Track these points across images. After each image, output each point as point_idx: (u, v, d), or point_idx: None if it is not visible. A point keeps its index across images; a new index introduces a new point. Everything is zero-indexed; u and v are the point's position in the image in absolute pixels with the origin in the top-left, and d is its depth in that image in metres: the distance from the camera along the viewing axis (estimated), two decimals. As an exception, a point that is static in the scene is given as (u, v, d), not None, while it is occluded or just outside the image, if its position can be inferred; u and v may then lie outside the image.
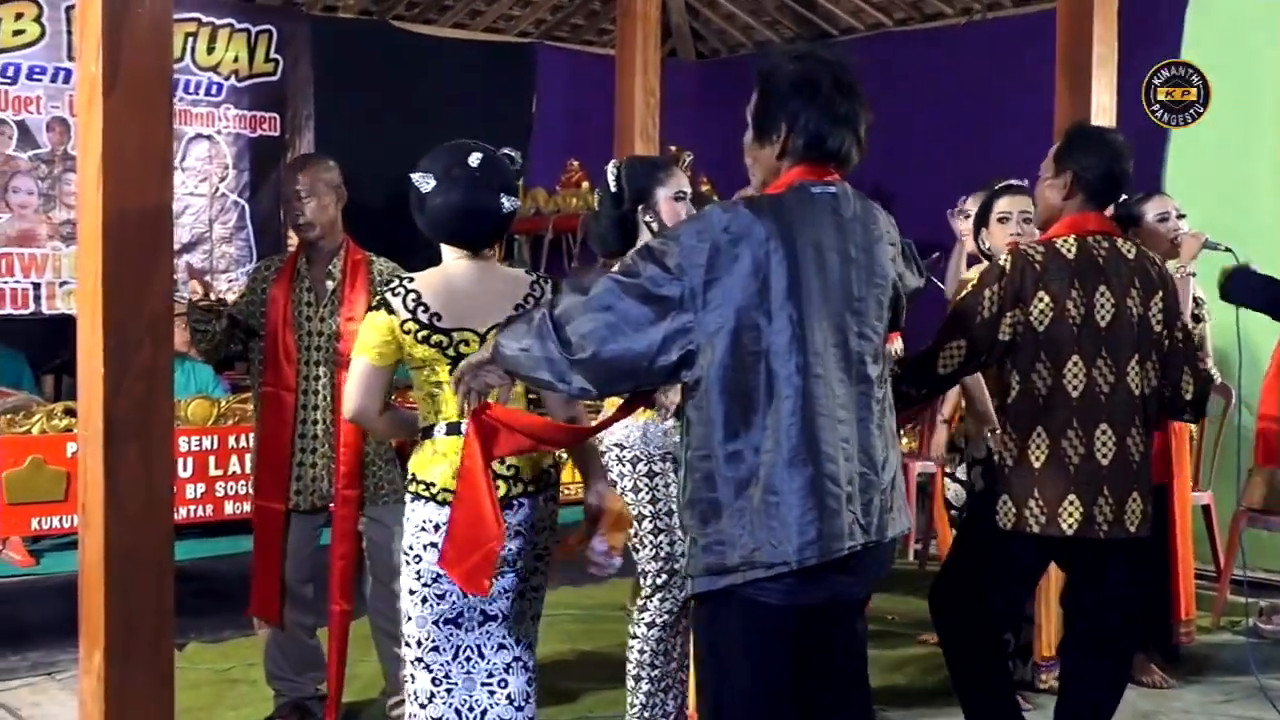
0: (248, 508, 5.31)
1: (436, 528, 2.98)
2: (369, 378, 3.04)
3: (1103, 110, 5.79)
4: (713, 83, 9.94)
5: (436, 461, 3.02)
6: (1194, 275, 4.65)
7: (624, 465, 3.85)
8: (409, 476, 3.06)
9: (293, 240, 8.46)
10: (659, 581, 3.87)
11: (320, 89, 8.47)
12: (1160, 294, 3.66)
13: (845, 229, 2.68)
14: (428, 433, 3.07)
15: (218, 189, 8.15)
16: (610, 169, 3.93)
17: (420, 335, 3.00)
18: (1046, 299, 3.55)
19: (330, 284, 4.09)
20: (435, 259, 3.19)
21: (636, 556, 3.89)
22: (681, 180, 3.87)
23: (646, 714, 3.92)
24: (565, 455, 3.36)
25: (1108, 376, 3.56)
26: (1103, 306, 3.57)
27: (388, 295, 3.02)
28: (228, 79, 8.14)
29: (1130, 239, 3.89)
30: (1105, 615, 3.71)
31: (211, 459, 5.07)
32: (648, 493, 3.85)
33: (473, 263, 3.12)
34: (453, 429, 3.03)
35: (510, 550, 3.04)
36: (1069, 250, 3.60)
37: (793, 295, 2.55)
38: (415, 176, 3.07)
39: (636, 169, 3.91)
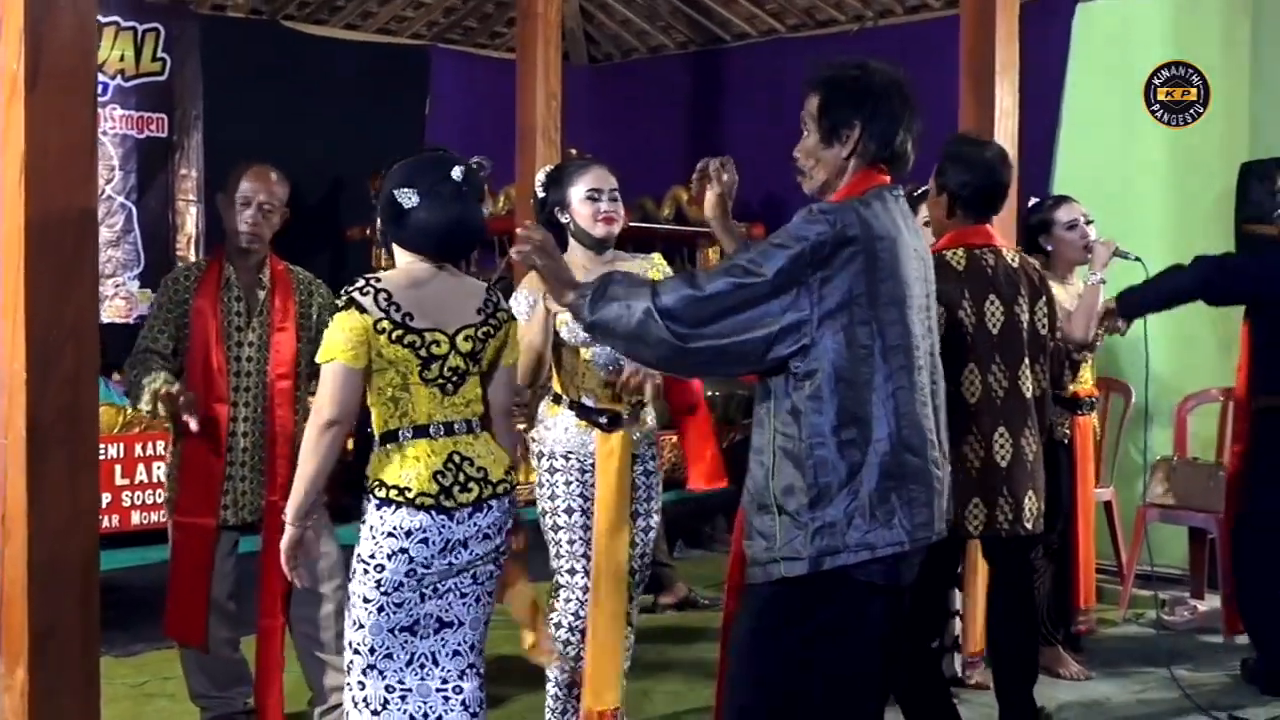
0: (155, 518, 5.17)
1: (409, 534, 2.93)
2: (345, 380, 2.95)
3: (1005, 115, 5.92)
4: (607, 88, 9.94)
5: (409, 465, 2.96)
6: (1104, 283, 4.77)
7: (538, 461, 3.91)
8: (373, 483, 2.99)
9: (182, 244, 8.42)
10: (561, 581, 3.91)
11: (209, 89, 8.26)
12: (1043, 299, 3.88)
13: (910, 225, 2.89)
14: (390, 438, 3.01)
15: (104, 191, 7.91)
16: (538, 176, 4.10)
17: (395, 335, 2.95)
18: (940, 310, 3.64)
19: (261, 293, 3.99)
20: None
21: (549, 555, 3.91)
22: (597, 178, 3.93)
23: (557, 715, 3.94)
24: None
25: (1002, 381, 3.73)
26: (993, 314, 3.75)
27: (356, 295, 2.95)
28: (114, 78, 7.91)
29: (1024, 245, 4.08)
30: (1009, 595, 3.95)
31: (118, 468, 4.90)
32: (548, 488, 3.93)
33: (432, 265, 3.08)
34: (420, 432, 2.99)
35: (477, 554, 3.02)
36: (958, 262, 3.77)
37: (896, 291, 2.75)
38: (397, 192, 3.01)
39: (554, 173, 4.06)
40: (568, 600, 3.88)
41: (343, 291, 3.00)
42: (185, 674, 4.09)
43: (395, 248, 3.13)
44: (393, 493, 2.95)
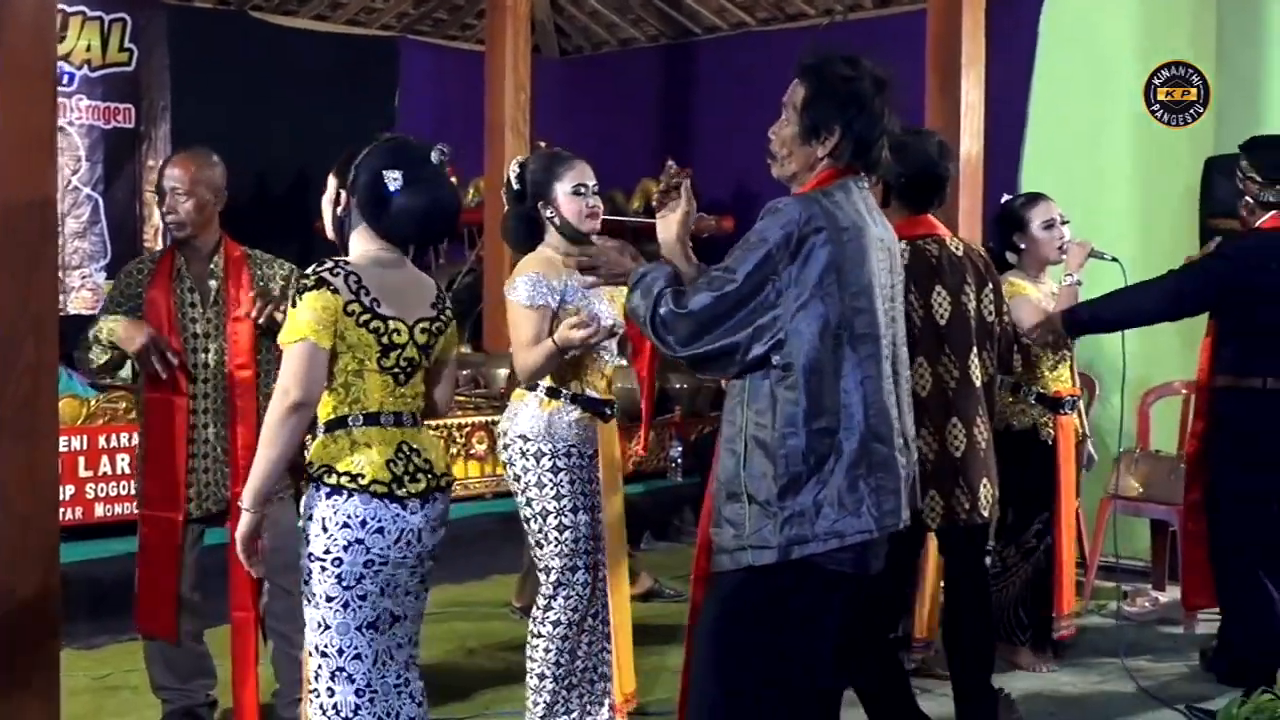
0: (120, 510, 5.15)
1: (363, 523, 2.91)
2: (310, 359, 2.88)
3: (971, 109, 5.96)
4: (577, 80, 9.95)
5: (361, 452, 2.93)
6: (1080, 284, 4.77)
7: (527, 459, 3.83)
8: (320, 470, 2.95)
9: (149, 235, 8.38)
10: (564, 579, 3.85)
11: (177, 80, 8.23)
12: (989, 286, 3.89)
13: (877, 218, 2.94)
14: (338, 424, 2.98)
15: (70, 182, 7.87)
16: (511, 167, 4.05)
17: (362, 318, 2.94)
18: None
19: (214, 283, 3.95)
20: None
21: (539, 553, 3.87)
22: (582, 174, 3.91)
23: (550, 712, 3.90)
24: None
25: (952, 372, 3.76)
26: (940, 305, 3.77)
27: (326, 275, 2.92)
28: (80, 69, 7.87)
29: (993, 244, 4.10)
30: (966, 586, 3.99)
31: (81, 460, 4.87)
32: (552, 488, 3.83)
33: (396, 256, 3.08)
34: (370, 420, 2.97)
35: (425, 547, 3.02)
36: (903, 255, 3.74)
37: (862, 281, 2.80)
38: (385, 173, 2.99)
39: (534, 166, 3.99)
40: (568, 597, 3.85)
41: (309, 271, 2.96)
42: (147, 666, 4.07)
43: (355, 236, 3.09)
44: (344, 480, 2.92)
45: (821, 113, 2.86)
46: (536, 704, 3.87)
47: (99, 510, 4.91)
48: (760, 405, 2.78)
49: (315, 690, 3.00)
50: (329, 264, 2.96)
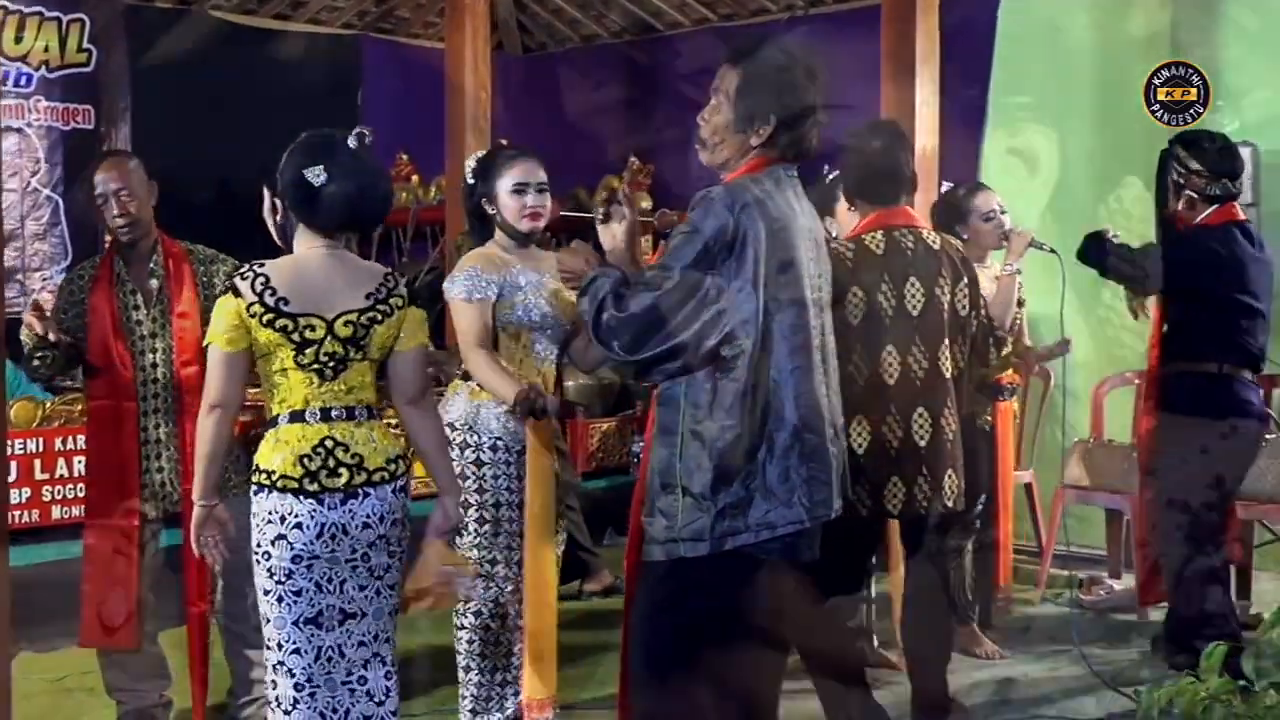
0: (77, 512, 5.13)
1: (282, 519, 2.97)
2: (222, 365, 3.00)
3: (925, 104, 5.99)
4: (541, 77, 9.94)
5: (279, 450, 3.01)
6: (1019, 272, 4.87)
7: (452, 449, 3.86)
8: (253, 469, 3.05)
9: (109, 238, 8.34)
10: (483, 571, 3.89)
11: (137, 81, 8.20)
12: (964, 280, 3.91)
13: (805, 208, 2.95)
14: (271, 423, 3.06)
15: (29, 184, 7.84)
16: (468, 162, 4.12)
17: (265, 319, 2.98)
18: (860, 293, 3.71)
19: (154, 283, 3.96)
20: (268, 249, 3.17)
21: (460, 541, 3.90)
22: (524, 171, 3.94)
23: (480, 705, 3.94)
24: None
25: (921, 362, 3.78)
26: (913, 296, 3.79)
27: (236, 280, 3.01)
28: (38, 69, 7.83)
29: (942, 232, 4.13)
30: (925, 576, 4.04)
31: (38, 462, 4.88)
32: (474, 480, 3.87)
33: (327, 251, 3.11)
34: (296, 417, 3.02)
35: (360, 542, 3.04)
36: (877, 245, 3.80)
37: (792, 272, 2.82)
38: (306, 172, 3.03)
39: (483, 162, 4.06)
40: (488, 589, 3.89)
41: (229, 276, 3.07)
42: (102, 668, 4.08)
43: (297, 239, 3.13)
44: (262, 476, 3.02)
45: (755, 102, 2.87)
46: (464, 696, 3.93)
47: (55, 513, 4.91)
48: (699, 397, 2.80)
49: (263, 680, 3.08)
50: (245, 267, 3.03)
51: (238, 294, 2.98)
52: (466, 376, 3.92)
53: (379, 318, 3.09)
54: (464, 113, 7.63)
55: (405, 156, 8.58)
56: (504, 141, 7.56)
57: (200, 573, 3.80)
